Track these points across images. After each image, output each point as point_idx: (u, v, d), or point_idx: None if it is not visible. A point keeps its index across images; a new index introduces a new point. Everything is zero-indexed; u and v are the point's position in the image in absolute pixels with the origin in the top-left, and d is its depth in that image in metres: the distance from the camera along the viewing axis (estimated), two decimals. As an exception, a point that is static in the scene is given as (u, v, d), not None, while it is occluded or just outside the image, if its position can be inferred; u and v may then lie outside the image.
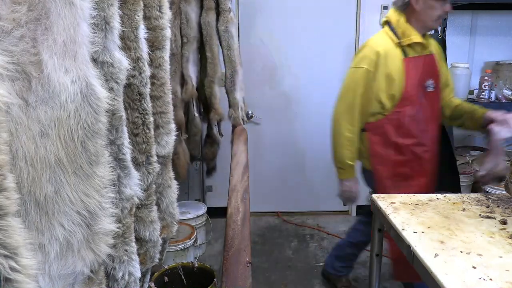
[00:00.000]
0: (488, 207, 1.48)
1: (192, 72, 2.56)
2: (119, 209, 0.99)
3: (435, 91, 1.91)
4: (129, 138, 1.06)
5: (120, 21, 0.94)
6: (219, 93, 2.67)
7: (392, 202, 1.53)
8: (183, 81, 2.55)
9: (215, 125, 2.84)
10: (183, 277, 2.08)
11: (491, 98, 2.93)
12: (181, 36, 2.48)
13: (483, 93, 2.92)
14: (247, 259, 1.81)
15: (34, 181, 0.68)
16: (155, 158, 1.22)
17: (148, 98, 1.15)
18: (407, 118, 1.86)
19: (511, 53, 3.36)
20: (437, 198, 1.58)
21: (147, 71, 1.13)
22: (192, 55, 2.56)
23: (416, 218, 1.38)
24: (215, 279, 1.94)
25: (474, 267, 1.06)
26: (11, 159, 0.64)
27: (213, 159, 2.97)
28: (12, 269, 0.55)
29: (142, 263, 1.21)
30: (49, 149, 0.70)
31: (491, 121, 1.66)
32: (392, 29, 1.87)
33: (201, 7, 2.58)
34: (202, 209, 2.93)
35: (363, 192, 3.61)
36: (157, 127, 1.27)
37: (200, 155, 3.06)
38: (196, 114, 2.77)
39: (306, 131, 3.58)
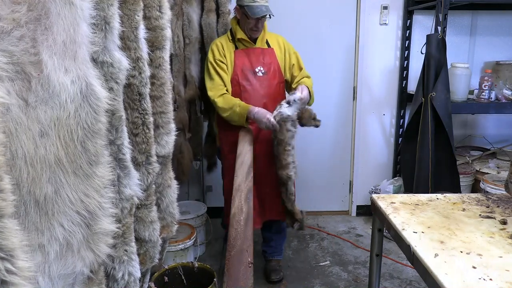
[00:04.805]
0: (488, 207, 1.48)
1: (194, 72, 2.57)
2: (119, 209, 0.99)
3: (266, 76, 2.38)
4: (129, 138, 1.06)
5: (120, 21, 0.94)
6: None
7: (392, 202, 1.53)
8: (186, 81, 2.56)
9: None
10: (183, 277, 2.08)
11: (491, 98, 2.92)
12: (183, 37, 2.50)
13: (483, 93, 2.91)
14: (249, 259, 1.80)
15: (34, 181, 0.68)
16: (155, 158, 1.22)
17: (148, 98, 1.15)
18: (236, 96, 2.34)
19: (511, 53, 3.36)
20: (437, 198, 1.58)
21: (147, 71, 1.13)
22: (194, 55, 2.57)
23: (416, 218, 1.38)
24: (215, 279, 1.94)
25: (474, 267, 1.06)
26: (10, 159, 0.64)
27: (214, 156, 2.99)
28: (8, 271, 0.55)
29: (142, 263, 1.21)
30: (49, 149, 0.70)
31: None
32: (231, 30, 2.43)
33: (202, 8, 2.59)
34: (202, 209, 2.93)
35: (363, 192, 3.65)
36: (157, 127, 1.27)
37: (201, 153, 3.07)
38: (199, 114, 2.79)
39: (306, 131, 3.57)
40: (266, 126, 2.19)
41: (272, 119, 2.15)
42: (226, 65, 2.34)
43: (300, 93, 2.22)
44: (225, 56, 2.34)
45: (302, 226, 2.41)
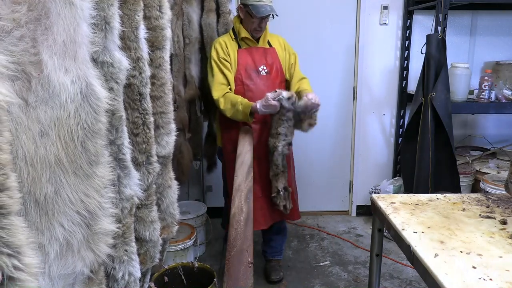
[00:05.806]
0: (488, 207, 1.48)
1: (194, 72, 2.57)
2: (119, 209, 0.99)
3: (269, 75, 2.38)
4: (129, 138, 1.06)
5: (120, 21, 0.94)
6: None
7: (392, 202, 1.53)
8: (185, 81, 2.56)
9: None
10: (183, 277, 2.08)
11: (491, 98, 2.92)
12: (183, 37, 2.50)
13: (483, 93, 2.91)
14: (249, 259, 1.80)
15: (34, 181, 0.68)
16: (155, 158, 1.22)
17: (148, 98, 1.15)
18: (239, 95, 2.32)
19: (511, 53, 3.36)
20: (437, 198, 1.58)
21: (147, 71, 1.13)
22: (194, 55, 2.57)
23: (416, 218, 1.38)
24: (215, 279, 1.94)
25: (474, 267, 1.06)
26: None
27: (213, 156, 3.00)
28: (15, 267, 0.55)
29: (142, 263, 1.21)
30: (49, 149, 0.70)
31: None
32: (233, 29, 2.42)
33: (202, 8, 2.59)
34: (202, 209, 2.93)
35: (363, 192, 3.65)
36: (157, 127, 1.27)
37: (201, 154, 3.07)
38: (199, 114, 2.79)
39: (306, 131, 3.58)
40: (274, 104, 2.15)
41: (271, 95, 2.17)
42: (230, 64, 2.34)
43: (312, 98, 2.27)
44: (229, 55, 2.34)
45: (277, 199, 2.34)
